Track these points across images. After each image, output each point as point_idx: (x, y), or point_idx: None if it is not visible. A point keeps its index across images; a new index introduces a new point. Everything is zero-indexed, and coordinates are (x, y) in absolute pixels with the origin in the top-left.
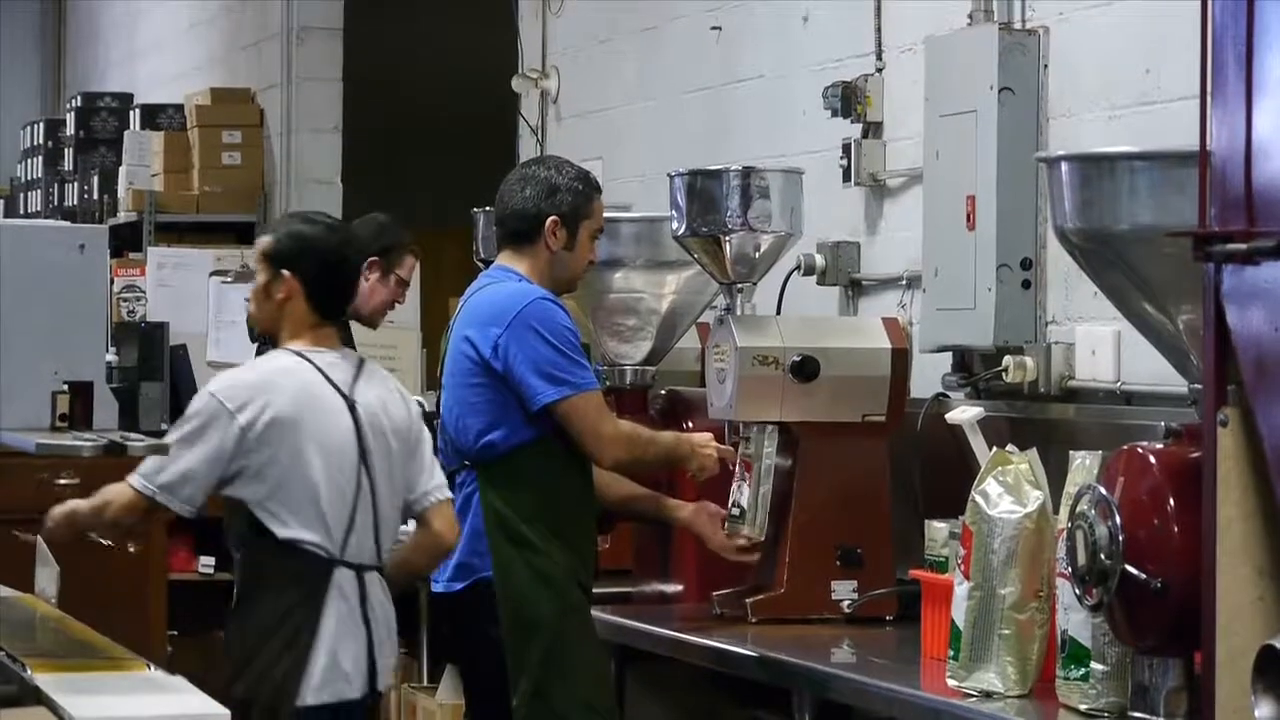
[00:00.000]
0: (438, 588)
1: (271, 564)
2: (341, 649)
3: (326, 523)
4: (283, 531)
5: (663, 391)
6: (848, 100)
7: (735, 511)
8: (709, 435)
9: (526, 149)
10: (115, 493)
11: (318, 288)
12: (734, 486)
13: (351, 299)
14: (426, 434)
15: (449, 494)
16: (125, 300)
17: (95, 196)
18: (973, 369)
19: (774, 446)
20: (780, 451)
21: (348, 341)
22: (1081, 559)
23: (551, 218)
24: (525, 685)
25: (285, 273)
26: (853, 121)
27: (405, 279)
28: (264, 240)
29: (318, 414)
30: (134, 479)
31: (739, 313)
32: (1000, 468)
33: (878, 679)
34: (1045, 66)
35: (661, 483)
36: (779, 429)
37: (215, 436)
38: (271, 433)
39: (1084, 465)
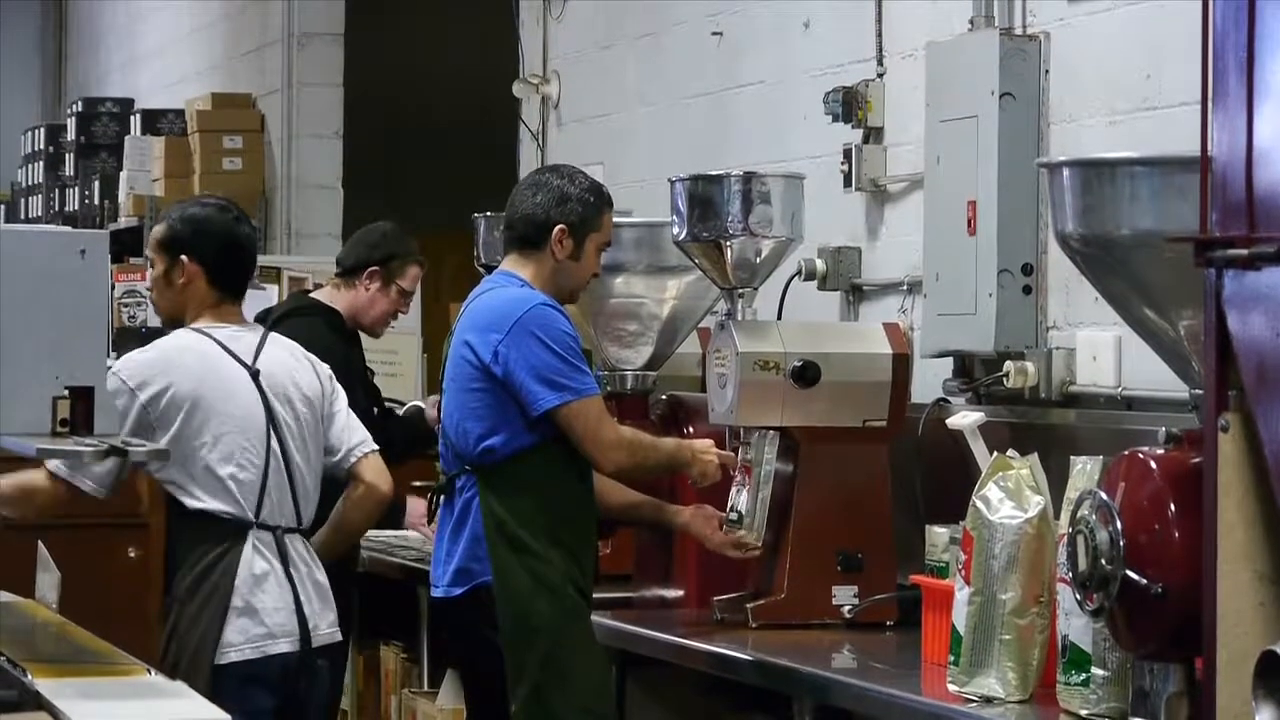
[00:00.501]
0: (437, 593)
1: (187, 535)
2: (263, 605)
3: (234, 492)
4: (192, 503)
5: (663, 397)
6: (849, 105)
7: (733, 516)
8: (710, 441)
9: (527, 154)
10: (38, 482)
11: (217, 268)
12: (733, 491)
13: (250, 275)
14: (341, 396)
15: (374, 446)
16: (126, 305)
17: (96, 201)
18: (974, 374)
19: (774, 452)
20: (781, 456)
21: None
22: (1082, 564)
23: (560, 226)
24: (524, 690)
25: (184, 258)
26: (854, 127)
27: (408, 289)
28: (158, 229)
29: (218, 387)
30: (51, 464)
31: (740, 318)
32: (1001, 473)
33: (878, 684)
34: (1046, 72)
35: (663, 489)
36: (780, 434)
37: (118, 415)
38: (171, 411)
39: (1085, 470)
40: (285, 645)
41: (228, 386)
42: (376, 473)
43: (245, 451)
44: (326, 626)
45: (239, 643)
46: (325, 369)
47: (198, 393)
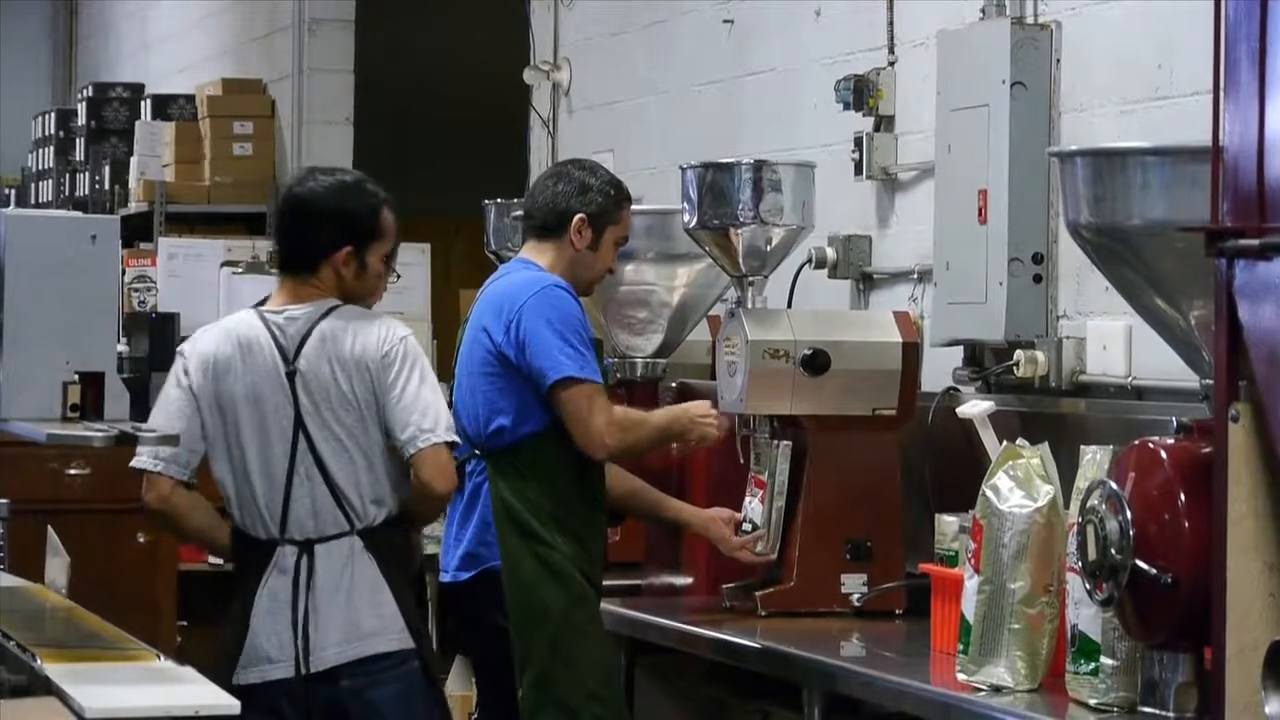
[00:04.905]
0: (445, 578)
1: (234, 547)
2: (265, 630)
3: (259, 505)
4: (231, 510)
5: (673, 384)
6: (859, 94)
7: (748, 527)
8: (706, 403)
9: (538, 141)
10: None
11: (276, 234)
12: (746, 501)
13: (299, 255)
14: (407, 369)
15: (439, 438)
16: (136, 290)
17: (106, 187)
18: (984, 363)
19: (787, 463)
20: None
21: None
22: (1092, 554)
23: (579, 215)
24: (530, 675)
25: None
26: (864, 115)
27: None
28: None
29: (251, 392)
30: (138, 460)
31: (750, 306)
32: (1011, 462)
33: (887, 673)
34: (1057, 61)
35: (672, 476)
36: (791, 439)
37: (173, 393)
38: (215, 415)
39: (1095, 460)
40: (282, 672)
41: (260, 391)
42: (432, 470)
43: (270, 465)
44: (335, 646)
45: (244, 667)
46: (398, 334)
47: (233, 401)
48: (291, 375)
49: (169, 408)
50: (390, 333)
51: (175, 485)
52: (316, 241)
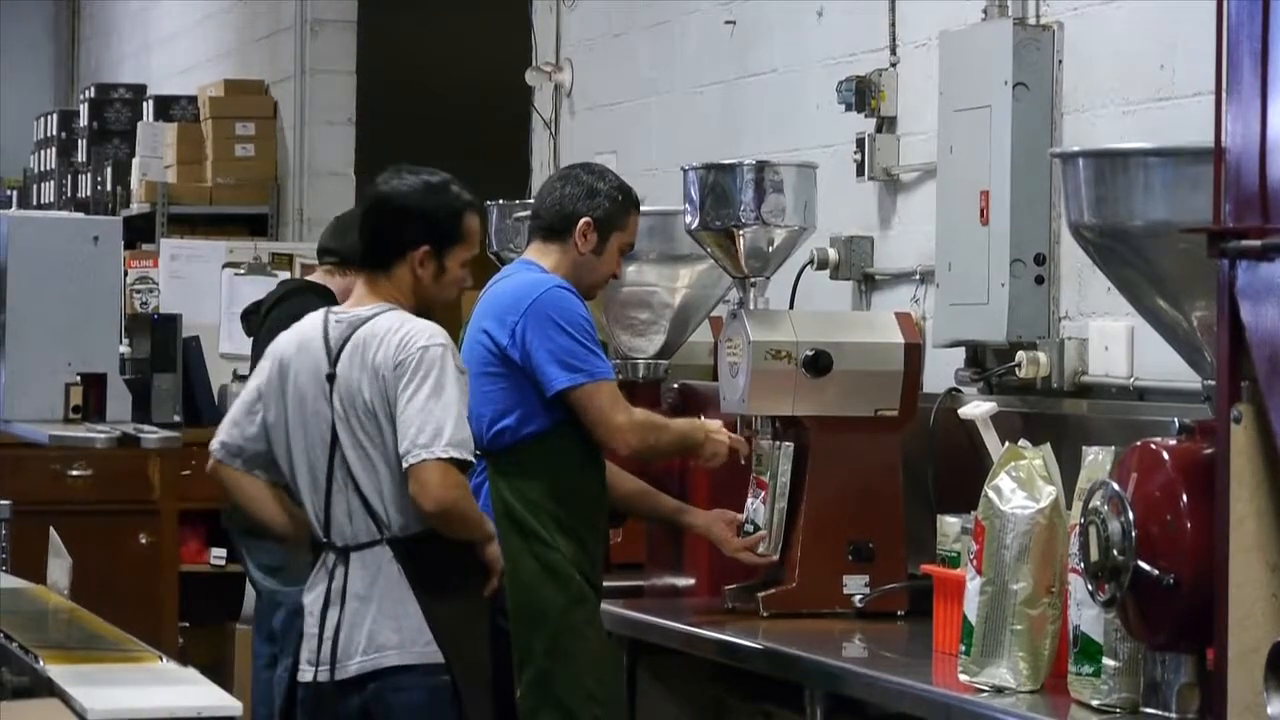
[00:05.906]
0: None
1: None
2: (307, 632)
3: (309, 507)
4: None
5: (675, 385)
6: (862, 94)
7: (750, 529)
8: (719, 422)
9: (540, 142)
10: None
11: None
12: (749, 503)
13: (377, 252)
14: (418, 378)
15: (433, 454)
16: (138, 292)
17: (108, 188)
18: (986, 364)
19: (790, 465)
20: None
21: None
22: (1094, 554)
23: (585, 219)
24: (529, 674)
25: None
26: (866, 116)
27: None
28: None
29: (306, 397)
30: (212, 447)
31: (752, 307)
32: (1013, 463)
33: (889, 674)
34: (1060, 61)
35: (674, 478)
36: (793, 440)
37: (250, 384)
38: (276, 413)
39: (1097, 461)
40: (307, 676)
41: (304, 393)
42: (419, 486)
43: (313, 468)
44: (360, 655)
45: (299, 662)
46: (418, 342)
47: (288, 401)
48: (331, 379)
49: (238, 400)
50: (411, 340)
51: (218, 464)
52: (393, 239)
